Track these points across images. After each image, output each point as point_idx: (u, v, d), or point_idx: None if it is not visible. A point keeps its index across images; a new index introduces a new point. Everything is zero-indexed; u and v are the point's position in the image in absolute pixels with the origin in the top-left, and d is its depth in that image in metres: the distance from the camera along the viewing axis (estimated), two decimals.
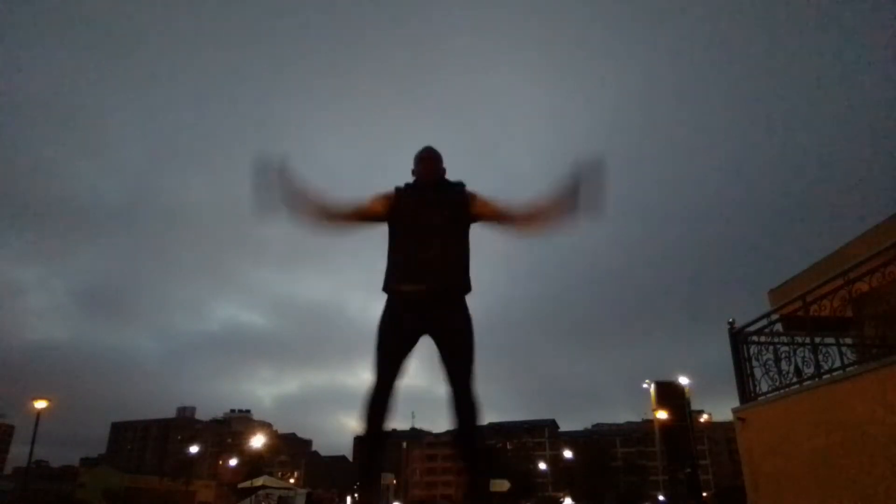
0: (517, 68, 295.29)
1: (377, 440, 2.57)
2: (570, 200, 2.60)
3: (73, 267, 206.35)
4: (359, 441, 2.62)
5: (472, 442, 2.56)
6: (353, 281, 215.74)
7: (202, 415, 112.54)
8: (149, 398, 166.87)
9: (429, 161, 2.89)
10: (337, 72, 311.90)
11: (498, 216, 2.78)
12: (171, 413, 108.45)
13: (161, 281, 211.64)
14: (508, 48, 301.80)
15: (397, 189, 2.84)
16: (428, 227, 2.67)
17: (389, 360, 2.59)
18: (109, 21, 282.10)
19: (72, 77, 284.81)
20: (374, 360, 2.60)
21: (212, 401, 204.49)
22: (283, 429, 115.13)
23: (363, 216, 2.81)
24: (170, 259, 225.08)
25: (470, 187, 2.85)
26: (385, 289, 2.69)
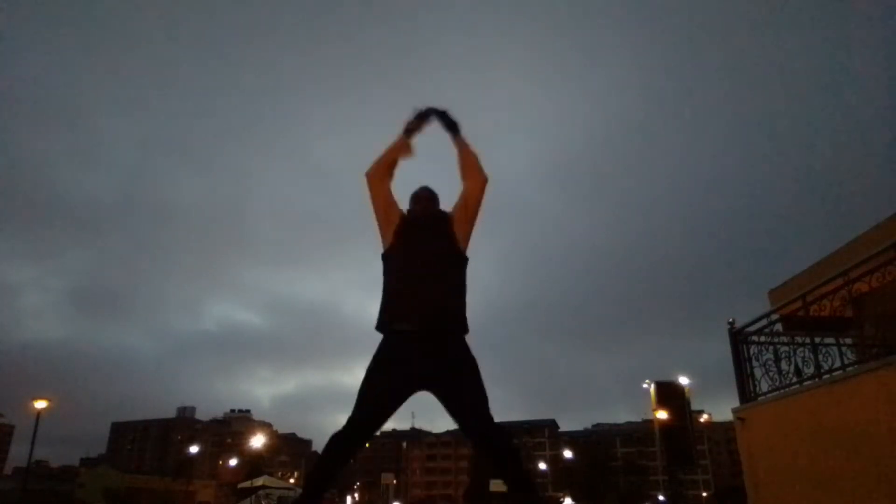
0: (515, 67, 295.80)
1: (328, 479, 2.44)
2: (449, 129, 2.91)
3: (68, 266, 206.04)
4: (311, 472, 2.52)
5: (528, 482, 2.39)
6: (350, 280, 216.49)
7: (202, 415, 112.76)
8: (148, 398, 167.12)
9: (425, 203, 2.86)
10: (335, 71, 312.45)
11: (469, 203, 2.78)
12: (170, 413, 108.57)
13: (157, 280, 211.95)
14: (506, 48, 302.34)
15: (402, 216, 2.79)
16: (423, 267, 2.60)
17: (374, 407, 2.42)
18: (104, 20, 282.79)
19: (66, 76, 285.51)
20: (357, 402, 2.41)
21: (211, 401, 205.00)
22: (282, 429, 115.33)
23: (388, 196, 2.81)
24: (165, 258, 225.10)
25: (448, 208, 2.84)
26: (379, 327, 2.57)
